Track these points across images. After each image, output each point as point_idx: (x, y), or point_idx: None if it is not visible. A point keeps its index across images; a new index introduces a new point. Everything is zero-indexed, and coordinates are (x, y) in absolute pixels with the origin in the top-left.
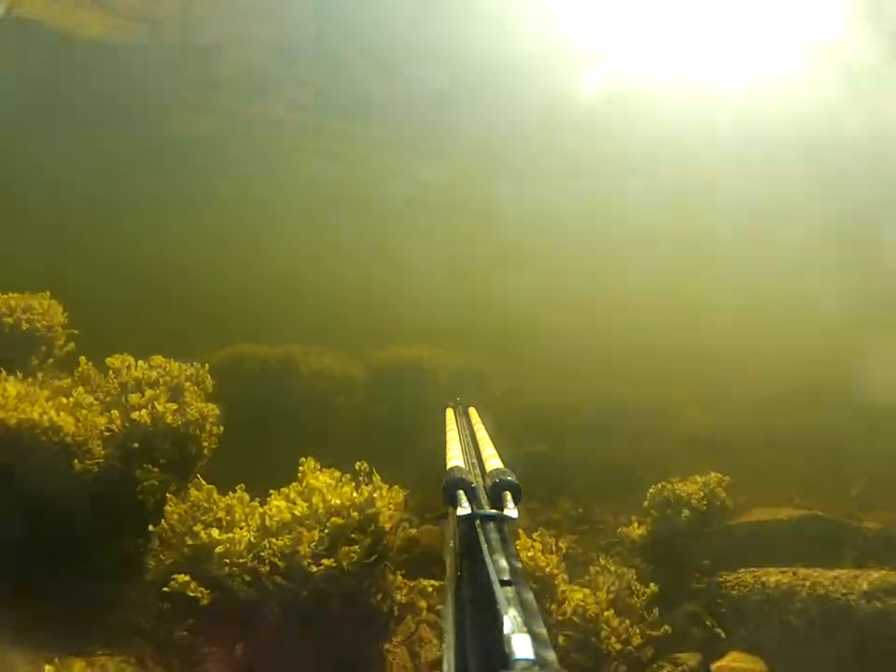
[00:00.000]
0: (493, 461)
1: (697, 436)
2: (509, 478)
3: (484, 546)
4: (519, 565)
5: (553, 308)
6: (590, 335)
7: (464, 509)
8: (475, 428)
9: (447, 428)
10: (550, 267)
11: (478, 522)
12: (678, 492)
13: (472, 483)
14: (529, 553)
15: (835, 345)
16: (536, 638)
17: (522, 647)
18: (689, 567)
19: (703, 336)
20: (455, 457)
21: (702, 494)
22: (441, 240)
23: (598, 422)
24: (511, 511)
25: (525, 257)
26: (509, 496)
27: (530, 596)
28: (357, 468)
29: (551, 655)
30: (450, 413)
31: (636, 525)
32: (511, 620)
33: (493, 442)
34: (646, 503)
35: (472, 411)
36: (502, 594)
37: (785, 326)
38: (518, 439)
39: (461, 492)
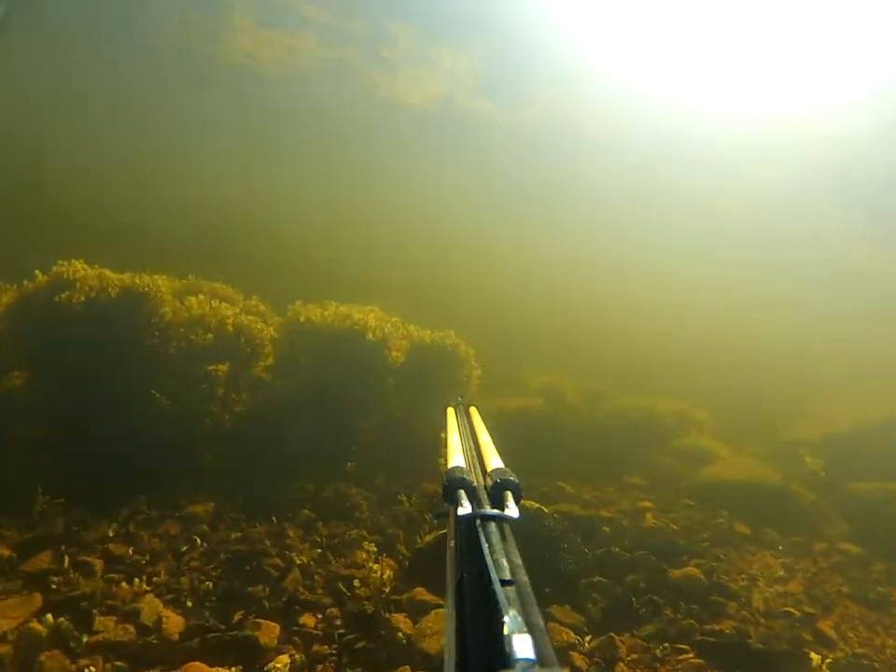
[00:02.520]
0: (494, 461)
1: None
2: (510, 478)
3: (485, 546)
4: (520, 564)
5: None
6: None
7: (464, 508)
8: (476, 428)
9: (448, 428)
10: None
11: (478, 521)
12: None
13: (473, 482)
14: None
15: None
16: (536, 638)
17: (522, 647)
18: None
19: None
20: (455, 457)
21: None
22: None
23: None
24: (511, 510)
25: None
26: (510, 495)
27: (531, 596)
28: None
29: (551, 655)
30: (451, 412)
31: None
32: (511, 620)
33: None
34: None
35: (473, 410)
36: (503, 594)
37: None
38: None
39: (462, 491)
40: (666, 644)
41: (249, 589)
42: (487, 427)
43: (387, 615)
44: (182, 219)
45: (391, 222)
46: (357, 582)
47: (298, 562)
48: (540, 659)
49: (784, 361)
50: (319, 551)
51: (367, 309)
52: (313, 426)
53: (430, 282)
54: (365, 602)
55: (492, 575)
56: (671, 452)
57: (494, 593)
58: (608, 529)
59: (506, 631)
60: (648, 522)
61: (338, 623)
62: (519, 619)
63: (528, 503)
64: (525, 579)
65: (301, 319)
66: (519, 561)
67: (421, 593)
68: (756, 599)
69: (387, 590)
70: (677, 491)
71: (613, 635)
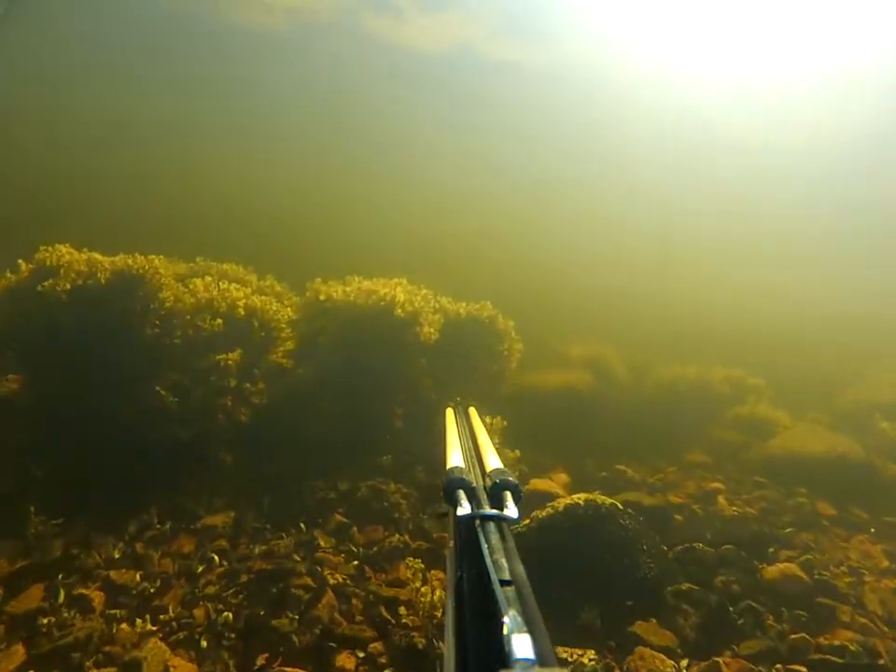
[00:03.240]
0: (493, 461)
1: None
2: (509, 478)
3: (484, 546)
4: (519, 565)
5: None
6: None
7: (464, 509)
8: (475, 428)
9: (447, 428)
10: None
11: (478, 522)
12: None
13: (472, 483)
14: None
15: None
16: (535, 638)
17: (522, 646)
18: None
19: None
20: (455, 458)
21: None
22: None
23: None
24: (510, 510)
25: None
26: (509, 495)
27: (531, 596)
28: None
29: (550, 654)
30: (450, 413)
31: None
32: (511, 619)
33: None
34: None
35: (472, 411)
36: (502, 593)
37: None
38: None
39: (461, 492)
40: (779, 665)
41: (274, 622)
42: (487, 427)
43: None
44: (185, 198)
45: (408, 186)
46: (402, 609)
47: (331, 581)
48: (540, 658)
49: (843, 321)
50: (356, 563)
51: (393, 282)
52: (341, 415)
53: (455, 247)
54: (414, 633)
55: (491, 575)
56: (730, 423)
57: (493, 593)
58: (680, 518)
59: (505, 631)
60: (722, 506)
61: (383, 661)
62: (518, 619)
63: (600, 498)
64: (525, 578)
65: (322, 298)
66: (519, 561)
67: None
68: (870, 600)
69: (439, 614)
70: (743, 467)
71: (717, 659)
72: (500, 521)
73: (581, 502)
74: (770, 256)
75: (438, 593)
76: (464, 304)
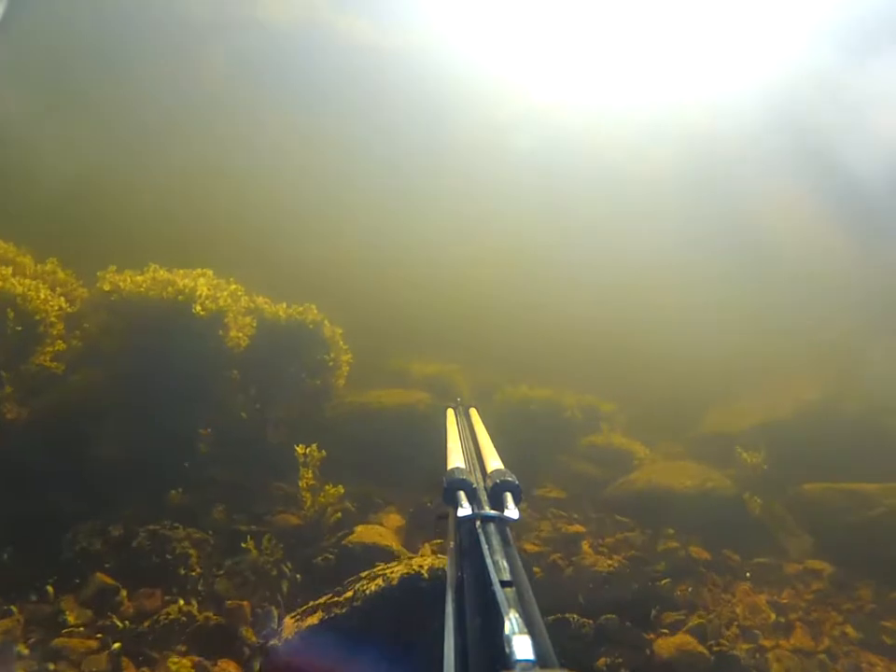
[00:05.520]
0: (494, 462)
1: None
2: (509, 479)
3: (485, 547)
4: (520, 566)
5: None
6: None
7: (464, 509)
8: (476, 429)
9: (448, 429)
10: None
11: (478, 523)
12: None
13: (473, 484)
14: None
15: None
16: (536, 639)
17: (522, 647)
18: None
19: None
20: (455, 458)
21: None
22: None
23: None
24: (511, 511)
25: None
26: (509, 497)
27: (531, 597)
28: None
29: (551, 655)
30: (451, 413)
31: None
32: (511, 620)
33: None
34: None
35: (473, 412)
36: (503, 594)
37: None
38: None
39: (462, 493)
40: None
41: None
42: (486, 429)
43: None
44: None
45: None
46: None
47: None
48: (540, 659)
49: (691, 351)
50: (115, 649)
51: (196, 273)
52: (124, 437)
53: (280, 248)
54: None
55: (492, 576)
56: (583, 453)
57: (494, 593)
58: (540, 572)
59: (506, 632)
60: (588, 556)
61: None
62: (519, 620)
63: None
64: (525, 579)
65: (107, 288)
66: (519, 562)
67: None
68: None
69: None
70: (602, 504)
71: None
72: (501, 522)
73: (423, 573)
74: (646, 277)
75: None
76: (284, 306)
